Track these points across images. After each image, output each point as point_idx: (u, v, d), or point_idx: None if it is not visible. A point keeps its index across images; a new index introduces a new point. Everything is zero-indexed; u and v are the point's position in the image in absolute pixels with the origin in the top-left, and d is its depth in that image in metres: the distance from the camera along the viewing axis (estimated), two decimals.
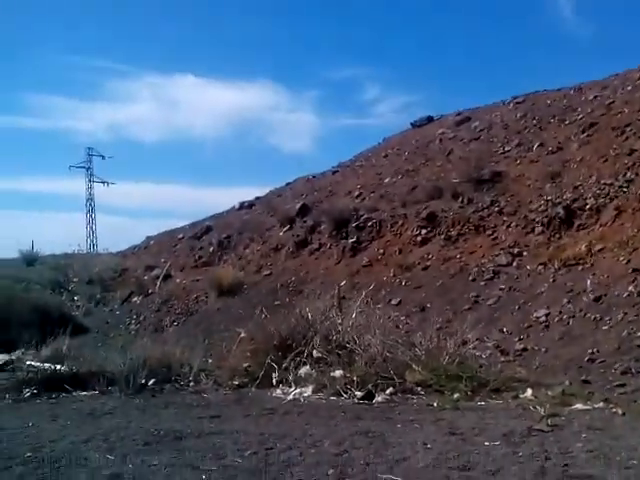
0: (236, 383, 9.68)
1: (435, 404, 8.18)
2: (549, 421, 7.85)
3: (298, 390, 9.13)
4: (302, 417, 7.48)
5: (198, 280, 22.91)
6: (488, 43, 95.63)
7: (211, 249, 25.52)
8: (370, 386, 8.73)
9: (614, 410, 8.21)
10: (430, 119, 30.07)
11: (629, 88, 20.03)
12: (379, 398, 8.71)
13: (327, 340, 9.46)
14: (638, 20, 71.49)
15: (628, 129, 17.39)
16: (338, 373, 9.14)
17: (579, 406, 8.68)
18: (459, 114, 27.93)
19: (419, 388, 8.99)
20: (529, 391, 9.71)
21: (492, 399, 9.81)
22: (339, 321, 9.66)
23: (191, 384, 9.59)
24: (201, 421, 7.21)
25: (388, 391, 8.86)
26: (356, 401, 8.51)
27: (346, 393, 8.69)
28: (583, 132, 18.71)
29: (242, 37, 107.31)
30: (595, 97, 20.91)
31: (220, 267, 23.36)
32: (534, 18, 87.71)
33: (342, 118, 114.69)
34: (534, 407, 8.91)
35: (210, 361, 10.79)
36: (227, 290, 20.81)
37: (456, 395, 8.78)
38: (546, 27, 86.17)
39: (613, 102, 19.61)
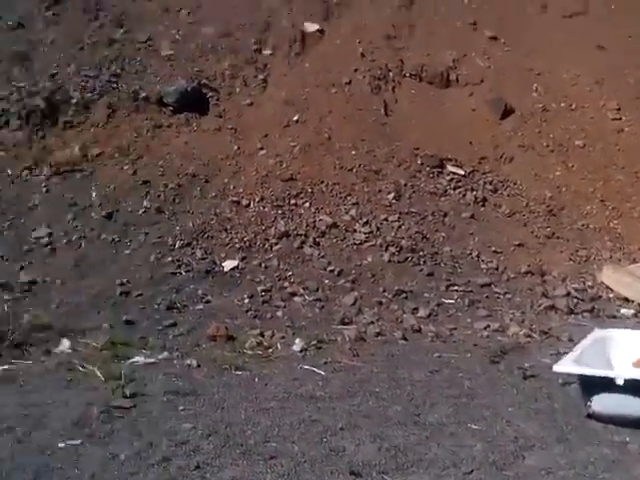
0: None
1: None
2: (126, 391, 6.49)
3: None
4: None
5: None
6: None
7: None
8: None
9: (188, 362, 7.36)
10: None
11: None
12: None
13: None
14: None
15: (102, 14, 15.77)
16: None
17: (140, 359, 7.52)
18: None
19: None
20: (65, 343, 8.03)
21: (18, 359, 7.84)
22: None
23: None
24: None
25: None
26: None
27: None
28: (48, 9, 16.16)
29: None
30: None
31: None
32: None
33: None
34: (83, 366, 7.37)
35: None
36: None
37: None
38: None
39: None
